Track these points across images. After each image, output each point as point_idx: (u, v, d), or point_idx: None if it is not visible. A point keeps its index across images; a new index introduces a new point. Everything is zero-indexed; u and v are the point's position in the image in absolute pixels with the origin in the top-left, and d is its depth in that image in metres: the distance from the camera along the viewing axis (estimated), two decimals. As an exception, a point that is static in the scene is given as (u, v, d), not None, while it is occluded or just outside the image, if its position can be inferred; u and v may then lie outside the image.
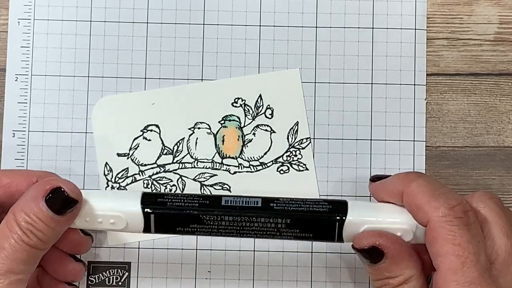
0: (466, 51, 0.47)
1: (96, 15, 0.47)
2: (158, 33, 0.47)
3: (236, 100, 0.47)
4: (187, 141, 0.47)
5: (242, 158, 0.47)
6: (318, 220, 0.40)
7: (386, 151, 0.47)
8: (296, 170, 0.47)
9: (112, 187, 0.46)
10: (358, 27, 0.47)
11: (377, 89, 0.47)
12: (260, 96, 0.47)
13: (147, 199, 0.40)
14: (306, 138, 0.47)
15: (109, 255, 0.46)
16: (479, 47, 0.47)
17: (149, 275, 0.46)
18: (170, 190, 0.46)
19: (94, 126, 0.47)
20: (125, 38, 0.47)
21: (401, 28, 0.47)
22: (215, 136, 0.47)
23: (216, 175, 0.46)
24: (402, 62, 0.47)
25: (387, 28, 0.47)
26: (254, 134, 0.47)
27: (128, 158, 0.47)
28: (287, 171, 0.47)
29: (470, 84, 0.47)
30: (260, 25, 0.47)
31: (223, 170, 0.47)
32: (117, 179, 0.46)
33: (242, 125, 0.47)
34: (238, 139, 0.47)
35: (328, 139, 0.47)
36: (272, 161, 0.47)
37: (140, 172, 0.46)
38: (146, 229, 0.40)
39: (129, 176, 0.46)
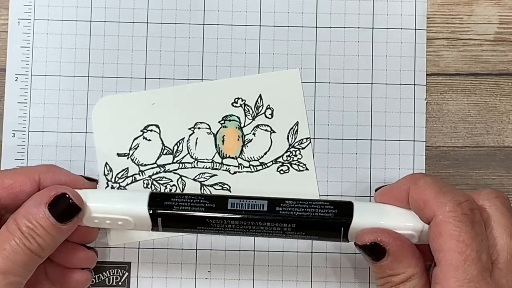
0: (466, 51, 0.47)
1: (96, 15, 0.47)
2: (158, 33, 0.47)
3: (236, 100, 0.47)
4: (187, 141, 0.47)
5: (242, 158, 0.47)
6: (323, 224, 0.40)
7: (386, 151, 0.47)
8: (296, 170, 0.47)
9: (112, 187, 0.46)
10: (358, 27, 0.47)
11: (377, 89, 0.47)
12: (260, 96, 0.47)
13: (154, 202, 0.41)
14: (306, 138, 0.47)
15: (109, 255, 0.46)
16: (479, 47, 0.47)
17: (149, 275, 0.46)
18: (170, 190, 0.46)
19: (94, 126, 0.47)
20: (125, 38, 0.47)
21: (401, 28, 0.47)
22: (215, 136, 0.47)
23: (216, 175, 0.46)
24: (402, 62, 0.47)
25: (387, 28, 0.47)
26: (254, 134, 0.47)
27: (128, 158, 0.47)
28: (287, 171, 0.46)
29: (470, 84, 0.47)
30: (260, 25, 0.47)
31: (223, 170, 0.47)
32: (117, 179, 0.46)
33: (242, 125, 0.47)
34: (238, 139, 0.47)
35: (328, 139, 0.47)
36: (272, 161, 0.47)
37: (140, 172, 0.46)
38: (154, 229, 0.41)
39: (129, 176, 0.46)
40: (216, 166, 0.47)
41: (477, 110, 0.47)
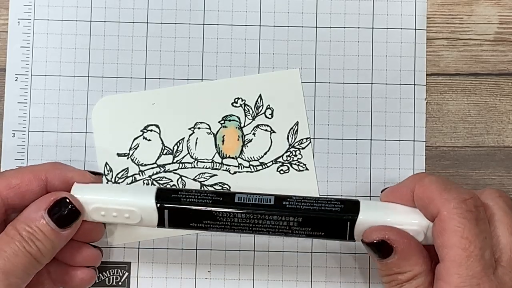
0: (466, 51, 0.47)
1: (96, 15, 0.47)
2: (158, 33, 0.47)
3: (236, 100, 0.47)
4: (187, 141, 0.47)
5: (242, 158, 0.47)
6: (329, 219, 0.40)
7: (386, 151, 0.47)
8: (296, 170, 0.47)
9: (112, 187, 0.46)
10: (358, 27, 0.47)
11: (377, 89, 0.47)
12: (260, 96, 0.47)
13: (162, 195, 0.41)
14: (306, 138, 0.47)
15: (109, 255, 0.46)
16: (479, 47, 0.47)
17: (149, 275, 0.46)
18: (170, 190, 0.46)
19: (94, 126, 0.47)
20: (125, 38, 0.47)
21: (401, 28, 0.47)
22: (215, 136, 0.47)
23: (216, 175, 0.46)
24: (402, 62, 0.47)
25: (387, 28, 0.47)
26: (254, 134, 0.47)
27: (128, 158, 0.46)
28: (287, 171, 0.46)
29: (470, 84, 0.47)
30: (260, 25, 0.47)
31: (223, 170, 0.47)
32: (117, 179, 0.46)
33: (242, 125, 0.47)
34: (238, 139, 0.47)
35: (328, 139, 0.47)
36: (272, 161, 0.47)
37: (140, 172, 0.46)
38: (160, 224, 0.41)
39: (129, 176, 0.46)
40: (216, 166, 0.47)
41: (477, 110, 0.47)
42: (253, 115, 0.47)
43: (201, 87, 0.47)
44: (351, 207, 0.40)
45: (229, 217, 0.40)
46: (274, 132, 0.47)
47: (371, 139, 0.47)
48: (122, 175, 0.46)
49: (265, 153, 0.47)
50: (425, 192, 0.38)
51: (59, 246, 0.40)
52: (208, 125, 0.47)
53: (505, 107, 0.47)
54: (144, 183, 0.46)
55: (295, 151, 0.47)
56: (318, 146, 0.47)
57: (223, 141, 0.47)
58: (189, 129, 0.47)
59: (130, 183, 0.46)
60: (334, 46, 0.47)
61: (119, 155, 0.47)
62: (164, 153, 0.47)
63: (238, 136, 0.47)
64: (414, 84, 0.47)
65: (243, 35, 0.47)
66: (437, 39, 0.47)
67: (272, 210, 0.40)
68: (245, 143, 0.47)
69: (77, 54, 0.47)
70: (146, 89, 0.47)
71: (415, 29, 0.47)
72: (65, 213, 0.40)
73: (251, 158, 0.47)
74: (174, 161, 0.46)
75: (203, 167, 0.46)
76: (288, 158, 0.47)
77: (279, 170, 0.47)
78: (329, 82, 0.47)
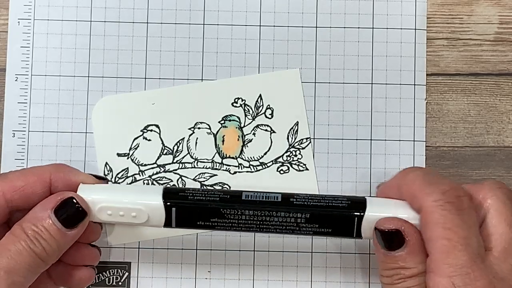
0: (466, 51, 0.47)
1: (96, 15, 0.47)
2: (158, 33, 0.47)
3: (236, 100, 0.47)
4: (187, 141, 0.47)
5: (242, 158, 0.47)
6: (337, 215, 0.40)
7: (386, 151, 0.47)
8: (296, 170, 0.47)
9: (112, 187, 0.46)
10: (358, 27, 0.47)
11: (377, 89, 0.47)
12: (260, 96, 0.47)
13: (169, 193, 0.41)
14: (306, 138, 0.47)
15: (109, 255, 0.46)
16: (479, 47, 0.47)
17: (149, 275, 0.46)
18: (170, 190, 0.46)
19: (94, 126, 0.47)
20: (125, 38, 0.47)
21: (401, 28, 0.47)
22: (215, 136, 0.47)
23: (216, 175, 0.46)
24: (402, 62, 0.47)
25: (387, 28, 0.47)
26: (254, 134, 0.47)
27: (128, 158, 0.47)
28: (287, 171, 0.47)
29: (470, 84, 0.47)
30: (260, 25, 0.47)
31: (223, 170, 0.47)
32: (117, 179, 0.46)
33: (242, 125, 0.47)
34: (238, 139, 0.47)
35: (328, 139, 0.47)
36: (272, 161, 0.47)
37: (140, 172, 0.46)
38: (167, 223, 0.41)
39: (129, 176, 0.46)
40: (216, 166, 0.47)
41: (477, 110, 0.47)
42: (253, 115, 0.47)
43: (201, 87, 0.47)
44: (358, 204, 0.40)
45: (237, 215, 0.40)
46: (274, 132, 0.47)
47: (371, 139, 0.47)
48: (122, 175, 0.46)
49: (265, 153, 0.47)
50: (408, 189, 0.38)
51: (65, 246, 0.40)
52: (208, 125, 0.47)
53: (505, 107, 0.47)
54: (144, 183, 0.46)
55: (295, 151, 0.47)
56: (318, 146, 0.47)
57: (223, 141, 0.47)
58: (189, 129, 0.47)
59: (130, 183, 0.46)
60: (334, 46, 0.47)
61: (119, 155, 0.47)
62: (164, 153, 0.47)
63: (238, 136, 0.47)
64: (414, 84, 0.47)
65: (243, 35, 0.47)
66: (437, 39, 0.47)
67: (279, 207, 0.40)
68: (245, 143, 0.47)
69: (77, 54, 0.47)
70: (146, 89, 0.47)
71: (415, 29, 0.47)
72: (71, 213, 0.40)
73: (251, 158, 0.47)
74: (174, 161, 0.46)
75: (203, 167, 0.47)
76: (288, 158, 0.47)
77: (279, 170, 0.47)
78: (329, 82, 0.47)
